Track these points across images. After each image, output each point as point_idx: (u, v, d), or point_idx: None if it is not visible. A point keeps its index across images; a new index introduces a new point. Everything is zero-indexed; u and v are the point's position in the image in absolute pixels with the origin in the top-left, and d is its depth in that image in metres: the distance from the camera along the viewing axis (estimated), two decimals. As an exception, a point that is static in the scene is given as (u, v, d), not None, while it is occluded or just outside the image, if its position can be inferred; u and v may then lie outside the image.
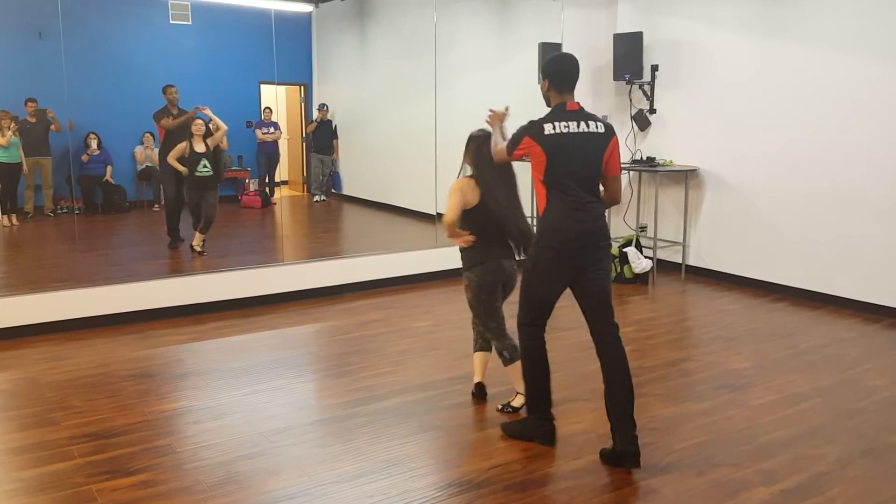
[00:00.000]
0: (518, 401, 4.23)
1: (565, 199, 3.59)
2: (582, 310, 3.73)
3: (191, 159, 7.00)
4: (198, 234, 7.16)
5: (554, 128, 3.58)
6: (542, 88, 3.77)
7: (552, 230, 3.63)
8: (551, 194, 3.62)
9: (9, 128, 6.68)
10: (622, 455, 3.60)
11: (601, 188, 3.75)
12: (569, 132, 3.57)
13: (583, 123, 3.61)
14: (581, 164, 3.60)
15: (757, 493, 3.37)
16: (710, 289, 7.18)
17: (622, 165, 7.82)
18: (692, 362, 5.13)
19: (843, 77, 6.30)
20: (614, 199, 3.82)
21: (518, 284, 4.03)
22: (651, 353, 5.30)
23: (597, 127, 3.63)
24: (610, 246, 3.73)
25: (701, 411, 4.29)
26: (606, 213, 8.06)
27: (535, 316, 3.80)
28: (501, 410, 4.25)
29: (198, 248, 7.14)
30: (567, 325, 5.89)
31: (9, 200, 7.03)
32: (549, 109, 3.71)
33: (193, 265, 7.13)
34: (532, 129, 3.61)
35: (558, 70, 3.69)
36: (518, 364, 4.07)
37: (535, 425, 3.87)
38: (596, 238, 3.63)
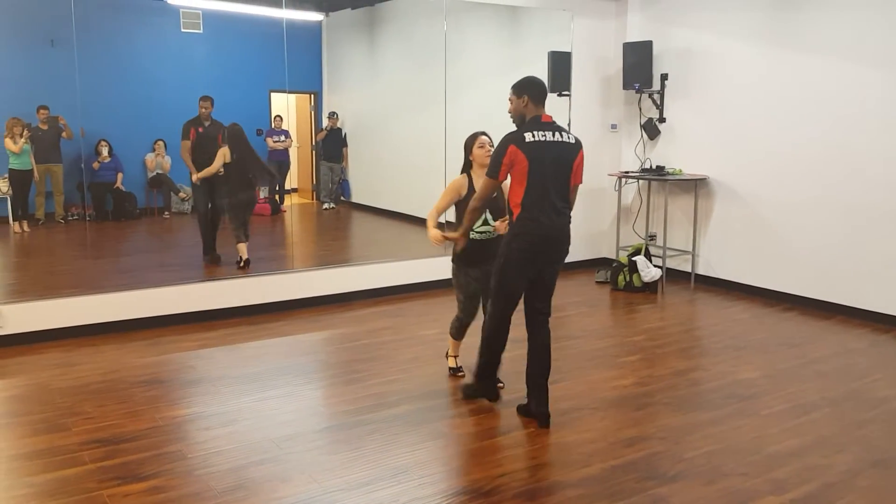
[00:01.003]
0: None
1: (540, 203, 3.99)
2: (527, 294, 4.19)
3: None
4: (243, 245, 7.16)
5: (534, 136, 3.98)
6: (516, 105, 4.12)
7: (527, 230, 4.02)
8: (528, 198, 3.99)
9: (21, 135, 6.72)
10: (537, 415, 4.19)
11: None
12: (545, 141, 3.99)
13: (557, 133, 4.04)
14: (555, 171, 4.01)
15: (766, 502, 3.37)
16: (720, 298, 7.16)
17: (631, 174, 7.86)
18: (701, 371, 5.13)
19: (852, 86, 6.29)
20: (572, 206, 4.24)
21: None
22: (660, 363, 5.30)
23: (568, 138, 4.08)
24: (568, 248, 4.20)
25: (710, 421, 4.28)
26: (616, 221, 8.08)
27: (507, 306, 4.17)
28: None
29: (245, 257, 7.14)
30: (574, 335, 5.90)
31: (20, 207, 7.07)
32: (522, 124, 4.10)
33: (205, 273, 7.15)
34: (515, 138, 3.99)
35: (536, 86, 4.11)
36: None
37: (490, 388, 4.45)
38: (562, 240, 4.14)
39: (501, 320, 4.21)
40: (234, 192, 7.17)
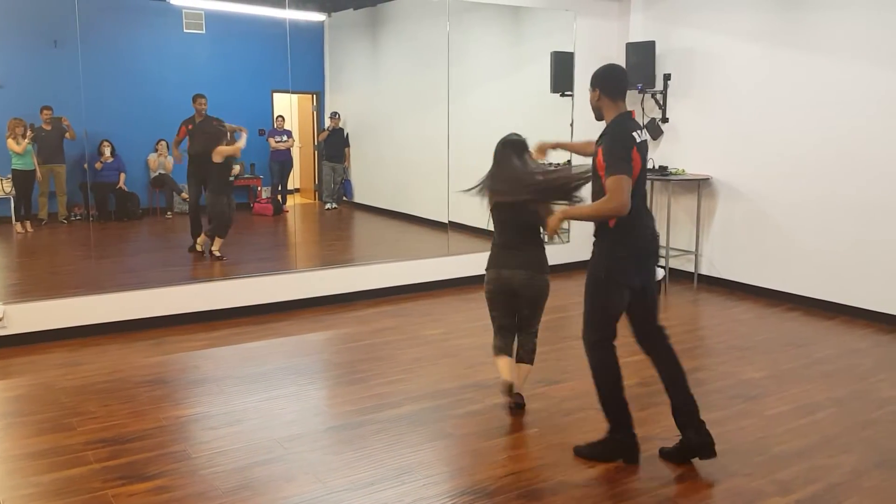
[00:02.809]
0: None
1: (641, 208, 3.60)
2: (637, 312, 3.74)
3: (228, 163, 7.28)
4: (218, 238, 7.25)
5: (640, 135, 3.55)
6: (591, 99, 3.71)
7: (638, 239, 3.59)
8: (634, 204, 3.47)
9: (23, 135, 6.73)
10: (698, 448, 3.66)
11: None
12: (641, 140, 3.55)
13: (643, 132, 3.63)
14: (644, 174, 3.56)
15: (771, 503, 3.36)
16: (723, 298, 7.16)
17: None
18: (705, 372, 5.12)
19: (855, 85, 6.29)
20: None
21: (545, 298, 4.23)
22: (664, 363, 5.29)
23: (646, 135, 3.68)
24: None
25: (715, 421, 4.27)
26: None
27: (608, 330, 3.68)
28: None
29: (217, 253, 7.22)
30: (577, 335, 5.86)
31: (23, 207, 7.07)
32: (610, 119, 3.62)
33: (208, 272, 7.16)
34: (631, 140, 3.48)
35: (616, 78, 3.68)
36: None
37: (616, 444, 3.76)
38: (657, 246, 3.75)
39: (604, 349, 3.70)
40: (220, 191, 7.24)
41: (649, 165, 7.94)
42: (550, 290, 4.33)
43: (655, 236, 3.71)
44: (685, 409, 3.68)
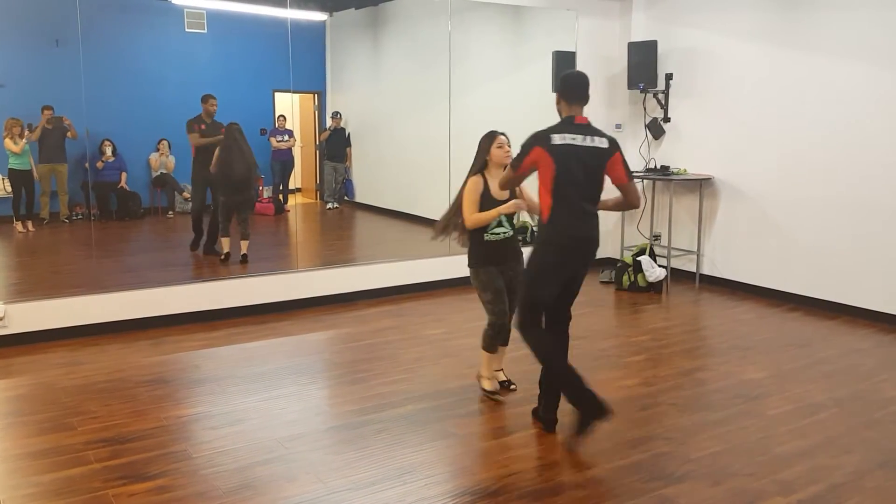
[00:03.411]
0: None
1: (563, 208, 3.85)
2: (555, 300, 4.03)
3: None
4: (226, 239, 7.22)
5: (563, 138, 3.80)
6: (557, 102, 3.99)
7: (557, 235, 3.89)
8: (556, 202, 3.84)
9: (20, 135, 6.72)
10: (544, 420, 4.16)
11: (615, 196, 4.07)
12: (575, 144, 3.81)
13: (588, 138, 3.84)
14: (583, 176, 3.84)
15: (773, 503, 3.36)
16: (725, 298, 7.15)
17: (635, 173, 7.84)
18: (707, 372, 5.11)
19: (857, 85, 6.28)
20: (631, 205, 4.09)
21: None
22: (665, 363, 5.29)
23: (601, 143, 3.86)
24: (592, 252, 4.02)
25: (716, 421, 4.27)
26: (620, 221, 8.08)
27: (535, 314, 4.00)
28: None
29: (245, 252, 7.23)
30: (578, 335, 5.88)
31: (23, 206, 7.06)
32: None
33: (209, 272, 7.16)
34: (541, 140, 3.83)
35: (567, 84, 3.96)
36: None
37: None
38: (590, 245, 3.97)
39: (532, 329, 3.98)
40: (229, 191, 7.20)
41: (650, 165, 7.97)
42: None
43: (578, 236, 3.92)
44: (554, 390, 4.12)
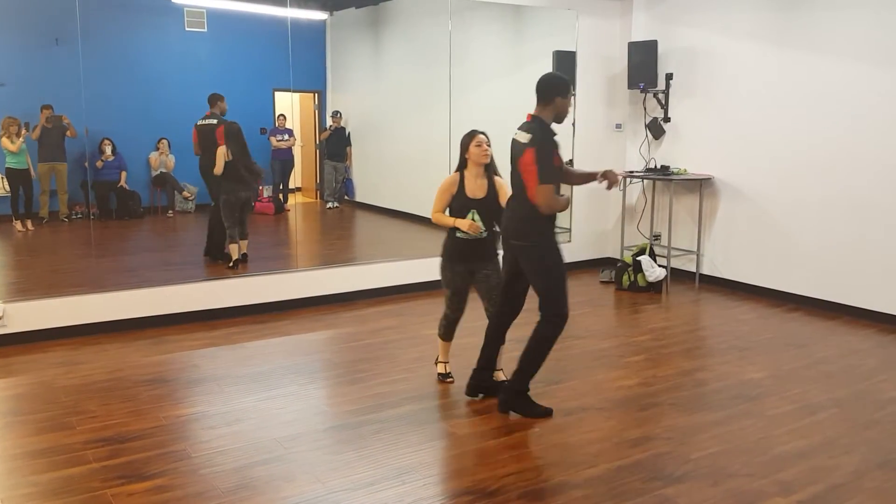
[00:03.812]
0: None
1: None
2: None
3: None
4: (235, 245, 7.14)
5: (515, 134, 4.18)
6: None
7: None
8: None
9: (17, 134, 6.71)
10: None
11: None
12: (513, 138, 4.19)
13: (518, 132, 4.14)
14: (513, 170, 4.20)
15: (773, 503, 3.35)
16: (725, 298, 7.14)
17: (636, 173, 7.84)
18: (707, 372, 5.11)
19: (858, 85, 6.27)
20: (546, 208, 4.11)
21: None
22: (665, 363, 5.28)
23: (520, 136, 4.12)
24: (517, 245, 4.20)
25: (716, 421, 4.27)
26: (620, 220, 8.05)
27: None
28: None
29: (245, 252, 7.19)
30: (578, 335, 5.88)
31: (21, 205, 7.06)
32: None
33: (209, 272, 7.15)
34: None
35: (539, 81, 4.25)
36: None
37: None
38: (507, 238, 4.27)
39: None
40: (231, 191, 7.14)
41: (650, 165, 7.97)
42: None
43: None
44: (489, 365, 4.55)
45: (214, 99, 7.29)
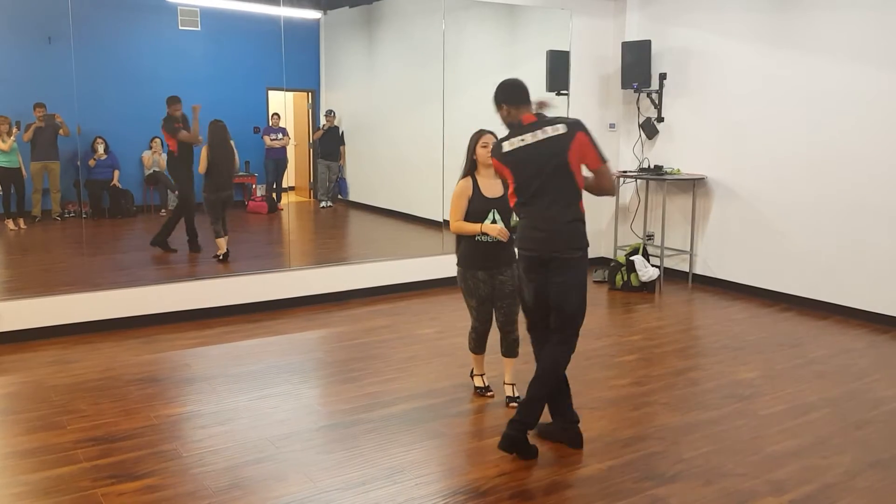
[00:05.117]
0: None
1: (528, 216, 3.76)
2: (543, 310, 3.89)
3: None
4: (223, 239, 7.17)
5: (511, 144, 3.72)
6: (502, 117, 3.84)
7: (522, 241, 3.81)
8: (518, 211, 3.84)
9: (8, 133, 6.68)
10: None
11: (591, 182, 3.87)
12: (525, 145, 3.68)
13: (539, 132, 3.66)
14: (536, 173, 3.66)
15: (765, 503, 3.35)
16: (718, 298, 7.15)
17: (629, 173, 7.83)
18: (699, 371, 5.11)
19: (850, 86, 6.28)
20: (603, 189, 3.87)
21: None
22: (658, 362, 5.28)
23: (554, 131, 3.65)
24: (576, 257, 3.72)
25: (708, 421, 4.27)
26: (614, 220, 8.03)
27: (528, 322, 3.98)
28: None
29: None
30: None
31: (13, 204, 7.02)
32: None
33: (201, 270, 7.13)
34: (495, 150, 3.82)
35: (506, 90, 3.82)
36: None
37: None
38: (555, 247, 3.70)
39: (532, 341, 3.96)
40: (215, 189, 7.17)
41: (644, 164, 7.97)
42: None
43: (531, 246, 3.77)
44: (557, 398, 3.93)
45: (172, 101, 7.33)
